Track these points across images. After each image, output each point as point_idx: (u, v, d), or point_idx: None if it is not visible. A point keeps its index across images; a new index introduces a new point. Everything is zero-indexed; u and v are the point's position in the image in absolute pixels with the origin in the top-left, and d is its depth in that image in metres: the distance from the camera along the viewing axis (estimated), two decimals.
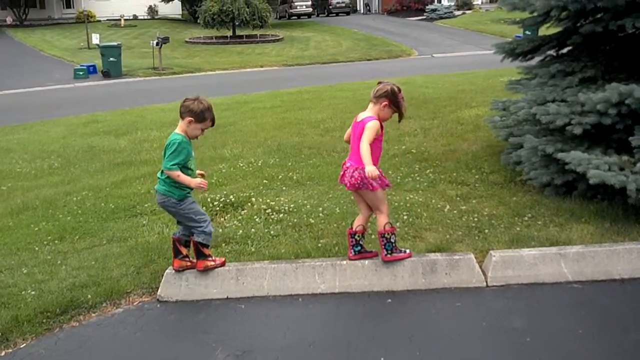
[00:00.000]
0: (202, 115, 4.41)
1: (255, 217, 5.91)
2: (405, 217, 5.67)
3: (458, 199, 6.13)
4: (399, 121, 4.62)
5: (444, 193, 6.32)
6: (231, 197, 6.44)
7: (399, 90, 4.47)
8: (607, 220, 5.32)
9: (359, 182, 4.47)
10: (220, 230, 5.63)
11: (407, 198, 6.18)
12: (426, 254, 4.84)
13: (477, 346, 3.81)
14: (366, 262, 4.74)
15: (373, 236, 5.24)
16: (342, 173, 4.65)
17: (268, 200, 6.31)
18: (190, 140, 4.53)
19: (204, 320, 4.34)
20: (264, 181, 7.12)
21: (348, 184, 4.56)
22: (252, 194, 6.61)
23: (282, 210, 6.01)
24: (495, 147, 7.72)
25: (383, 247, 4.67)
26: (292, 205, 6.11)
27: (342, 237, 5.27)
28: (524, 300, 4.36)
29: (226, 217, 6.02)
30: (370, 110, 4.49)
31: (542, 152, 5.90)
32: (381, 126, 4.46)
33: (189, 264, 4.73)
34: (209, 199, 6.38)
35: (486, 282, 4.59)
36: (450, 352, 3.75)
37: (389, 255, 4.68)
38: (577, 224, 5.31)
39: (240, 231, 5.56)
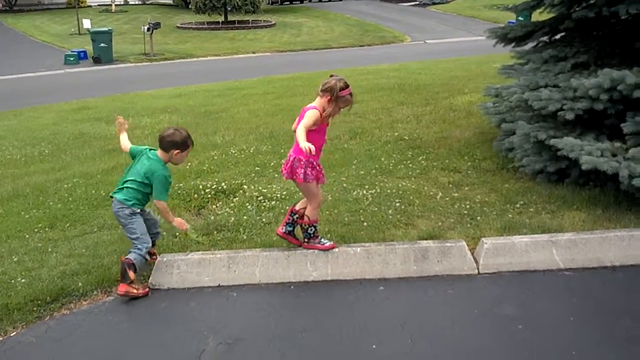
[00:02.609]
0: (185, 144, 4.54)
1: (247, 204, 5.89)
2: (397, 204, 5.66)
3: (450, 186, 6.13)
4: (332, 117, 4.52)
5: (436, 180, 6.31)
6: (223, 184, 6.41)
7: (346, 86, 4.40)
8: (599, 207, 5.32)
9: (288, 170, 4.51)
10: (212, 217, 5.61)
11: (400, 185, 6.16)
12: (418, 242, 4.84)
13: (469, 333, 3.82)
14: (358, 249, 4.73)
15: (366, 222, 5.24)
16: (283, 164, 4.67)
17: (260, 188, 6.29)
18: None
19: (196, 308, 4.32)
20: (256, 168, 7.09)
21: (283, 172, 4.61)
22: (244, 181, 6.58)
23: (274, 198, 5.98)
24: (487, 134, 7.71)
25: (303, 234, 4.81)
26: (284, 193, 6.09)
27: (335, 224, 5.26)
28: (516, 287, 4.37)
29: (218, 205, 5.99)
30: (315, 102, 4.47)
31: (535, 139, 5.90)
32: (322, 118, 4.43)
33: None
34: (200, 186, 6.35)
35: (478, 269, 4.59)
36: (442, 340, 3.75)
37: (305, 243, 4.80)
38: (568, 211, 5.32)
39: (232, 219, 5.54)
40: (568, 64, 6.21)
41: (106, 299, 4.47)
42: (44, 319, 4.22)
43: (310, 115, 4.34)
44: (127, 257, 4.44)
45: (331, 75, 4.49)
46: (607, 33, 6.49)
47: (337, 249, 4.74)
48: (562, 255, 4.64)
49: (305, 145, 4.12)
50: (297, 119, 4.51)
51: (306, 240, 4.80)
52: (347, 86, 4.41)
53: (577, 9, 6.35)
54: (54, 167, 8.16)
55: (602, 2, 5.75)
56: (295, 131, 4.42)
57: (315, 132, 4.42)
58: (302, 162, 4.45)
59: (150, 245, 4.59)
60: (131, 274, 4.42)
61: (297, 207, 4.76)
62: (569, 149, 5.36)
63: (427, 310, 4.11)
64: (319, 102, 4.44)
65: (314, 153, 4.13)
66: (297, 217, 4.75)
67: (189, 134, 4.57)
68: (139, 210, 4.54)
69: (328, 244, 4.77)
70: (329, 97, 4.38)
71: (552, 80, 6.07)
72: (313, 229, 4.75)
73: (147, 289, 4.55)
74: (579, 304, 4.09)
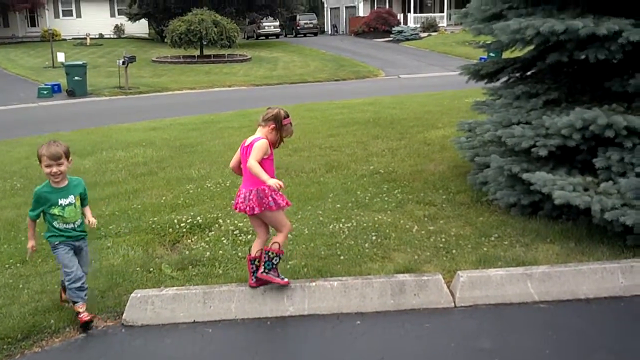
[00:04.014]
0: (39, 158, 4.40)
1: (223, 238, 5.85)
2: (373, 237, 5.67)
3: (426, 219, 6.16)
4: (276, 146, 4.58)
5: (412, 213, 6.35)
6: (198, 218, 6.37)
7: (287, 115, 4.53)
8: (572, 240, 5.39)
9: (256, 204, 4.45)
10: (187, 252, 5.56)
11: (376, 218, 6.18)
12: (395, 275, 4.84)
13: None
14: (335, 283, 4.71)
15: (342, 255, 5.23)
16: (235, 200, 4.63)
17: (236, 222, 6.26)
18: (57, 185, 4.45)
19: (170, 345, 4.25)
20: (232, 202, 7.05)
21: (247, 209, 4.50)
22: (220, 215, 6.55)
23: (250, 232, 5.95)
24: (461, 168, 7.80)
25: (263, 263, 4.62)
26: None
27: (311, 258, 5.25)
28: (492, 320, 4.38)
29: (193, 239, 5.94)
30: (258, 132, 4.52)
31: (509, 172, 5.97)
32: (270, 147, 4.49)
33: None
34: (175, 220, 6.30)
35: (454, 302, 4.60)
36: None
37: (264, 274, 4.60)
38: (542, 244, 5.37)
39: (208, 253, 5.50)
40: (540, 100, 6.32)
41: (79, 336, 4.37)
42: (14, 357, 4.12)
43: (260, 146, 4.38)
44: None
45: (269, 108, 4.57)
46: (577, 70, 6.63)
47: (314, 283, 4.72)
48: (537, 287, 4.67)
49: (273, 182, 4.18)
50: (240, 156, 4.54)
51: (266, 270, 4.61)
52: (288, 115, 4.55)
53: (549, 51, 6.48)
54: (26, 201, 7.99)
55: (572, 45, 5.85)
56: (243, 167, 4.47)
57: (267, 162, 4.45)
58: (266, 191, 4.45)
59: (73, 276, 4.36)
60: (74, 307, 4.44)
61: (254, 254, 4.66)
62: (541, 184, 5.44)
63: (404, 345, 4.10)
64: (262, 132, 4.50)
65: (284, 187, 4.17)
66: (258, 262, 4.65)
67: (41, 145, 4.43)
68: (57, 243, 4.43)
69: (285, 280, 4.68)
70: (273, 125, 4.46)
71: (525, 117, 6.17)
72: (278, 260, 4.65)
73: (91, 315, 4.42)
74: (555, 337, 4.10)
